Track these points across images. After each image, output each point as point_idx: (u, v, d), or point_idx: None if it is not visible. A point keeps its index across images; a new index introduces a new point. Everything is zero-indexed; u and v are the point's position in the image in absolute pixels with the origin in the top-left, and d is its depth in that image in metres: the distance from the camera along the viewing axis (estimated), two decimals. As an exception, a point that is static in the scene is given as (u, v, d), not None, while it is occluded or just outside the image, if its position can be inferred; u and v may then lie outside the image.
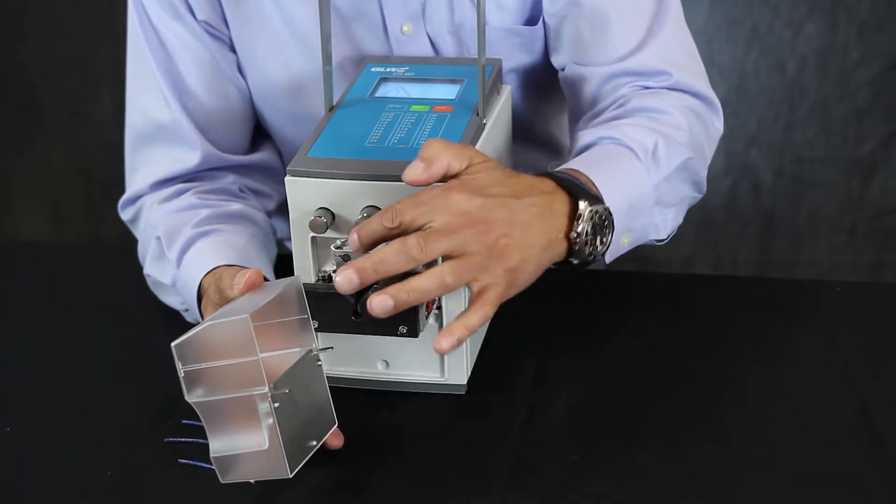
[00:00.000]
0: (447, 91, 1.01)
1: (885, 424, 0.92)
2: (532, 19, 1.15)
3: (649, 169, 1.01)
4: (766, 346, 1.05)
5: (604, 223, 0.94)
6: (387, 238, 0.86)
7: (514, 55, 1.14)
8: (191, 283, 1.03)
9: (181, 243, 1.06)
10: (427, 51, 1.14)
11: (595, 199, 0.93)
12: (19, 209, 2.70)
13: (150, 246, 1.10)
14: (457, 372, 0.96)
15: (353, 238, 0.86)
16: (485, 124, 0.98)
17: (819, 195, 2.48)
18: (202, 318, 1.02)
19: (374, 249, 0.85)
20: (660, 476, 0.87)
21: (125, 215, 1.19)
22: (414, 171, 0.87)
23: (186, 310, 1.09)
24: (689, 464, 0.88)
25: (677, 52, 1.12)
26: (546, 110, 1.24)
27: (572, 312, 1.08)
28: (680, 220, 1.09)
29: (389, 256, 0.84)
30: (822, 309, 1.10)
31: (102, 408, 0.99)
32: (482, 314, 0.87)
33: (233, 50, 1.16)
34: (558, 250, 0.92)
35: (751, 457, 0.89)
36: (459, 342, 0.86)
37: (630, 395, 0.97)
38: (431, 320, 0.93)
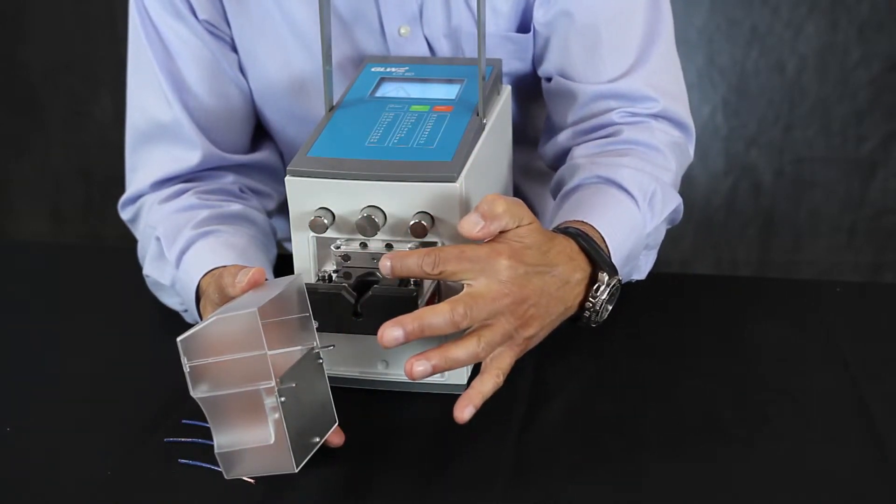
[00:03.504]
0: (447, 91, 1.01)
1: (885, 424, 0.92)
2: (524, 27, 1.15)
3: (645, 217, 1.04)
4: (766, 346, 1.05)
5: (615, 294, 0.97)
6: (420, 277, 0.88)
7: (508, 62, 1.14)
8: (189, 283, 1.03)
9: (181, 244, 1.06)
10: (424, 53, 1.14)
11: (612, 268, 0.96)
12: (19, 209, 2.70)
13: (150, 246, 1.10)
14: (456, 372, 0.96)
15: (386, 266, 0.87)
16: (485, 124, 0.98)
17: (819, 195, 2.48)
18: (201, 318, 1.02)
19: (419, 311, 0.86)
20: (660, 476, 0.87)
21: (125, 215, 1.18)
22: (471, 226, 0.87)
23: (185, 310, 1.09)
24: (689, 464, 0.89)
25: (665, 78, 1.14)
26: (538, 113, 1.25)
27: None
28: (655, 257, 1.11)
29: (436, 322, 0.86)
30: (822, 309, 1.10)
31: (102, 408, 0.99)
32: (496, 382, 0.89)
33: (234, 50, 1.16)
34: (569, 314, 0.96)
35: (751, 457, 0.89)
36: (477, 408, 0.88)
37: (630, 395, 0.97)
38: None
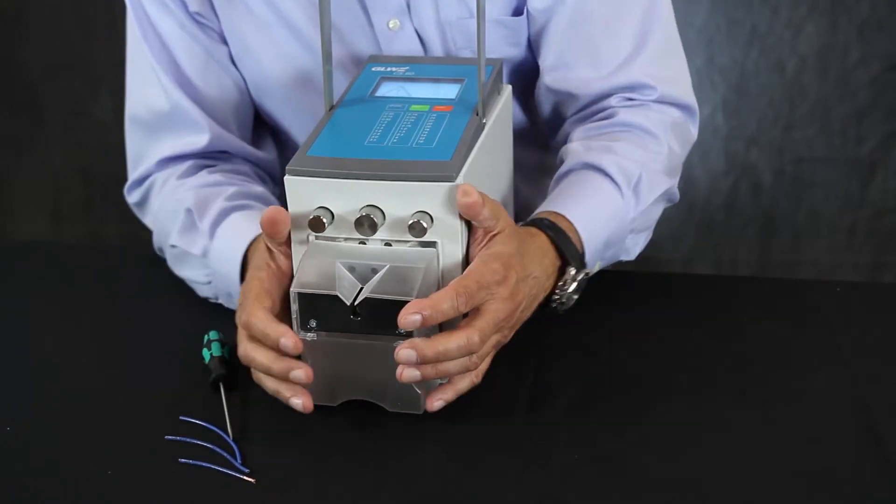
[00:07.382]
0: (447, 91, 1.01)
1: (885, 424, 0.92)
2: (517, 10, 1.15)
3: (628, 203, 1.06)
4: (766, 346, 1.05)
5: (582, 285, 1.01)
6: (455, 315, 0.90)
7: (501, 48, 1.14)
8: (230, 252, 1.04)
9: (213, 215, 1.07)
10: (416, 46, 1.14)
11: (580, 262, 1.00)
12: (19, 209, 2.70)
13: (179, 218, 1.10)
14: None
15: (416, 320, 0.87)
16: (485, 124, 0.98)
17: (819, 195, 2.48)
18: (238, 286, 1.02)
19: (436, 341, 0.88)
20: (660, 476, 0.87)
21: (132, 198, 1.18)
22: (480, 217, 0.90)
23: (209, 282, 1.09)
24: (689, 464, 0.89)
25: (663, 64, 1.15)
26: (536, 107, 1.24)
27: (572, 312, 1.07)
28: (650, 237, 1.12)
29: (451, 369, 0.89)
30: (822, 309, 1.10)
31: (103, 407, 0.99)
32: (473, 381, 0.93)
33: (224, 42, 1.16)
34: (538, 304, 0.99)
35: (751, 457, 0.89)
36: (448, 402, 0.92)
37: (630, 394, 0.97)
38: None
